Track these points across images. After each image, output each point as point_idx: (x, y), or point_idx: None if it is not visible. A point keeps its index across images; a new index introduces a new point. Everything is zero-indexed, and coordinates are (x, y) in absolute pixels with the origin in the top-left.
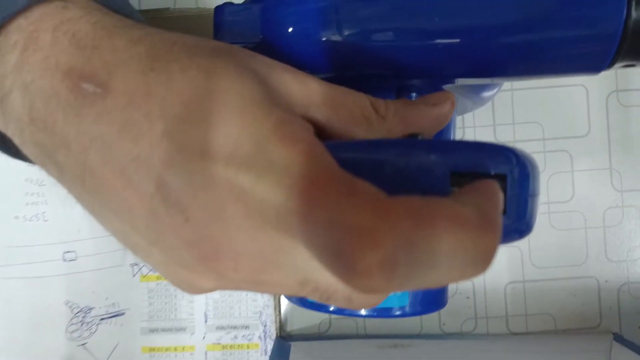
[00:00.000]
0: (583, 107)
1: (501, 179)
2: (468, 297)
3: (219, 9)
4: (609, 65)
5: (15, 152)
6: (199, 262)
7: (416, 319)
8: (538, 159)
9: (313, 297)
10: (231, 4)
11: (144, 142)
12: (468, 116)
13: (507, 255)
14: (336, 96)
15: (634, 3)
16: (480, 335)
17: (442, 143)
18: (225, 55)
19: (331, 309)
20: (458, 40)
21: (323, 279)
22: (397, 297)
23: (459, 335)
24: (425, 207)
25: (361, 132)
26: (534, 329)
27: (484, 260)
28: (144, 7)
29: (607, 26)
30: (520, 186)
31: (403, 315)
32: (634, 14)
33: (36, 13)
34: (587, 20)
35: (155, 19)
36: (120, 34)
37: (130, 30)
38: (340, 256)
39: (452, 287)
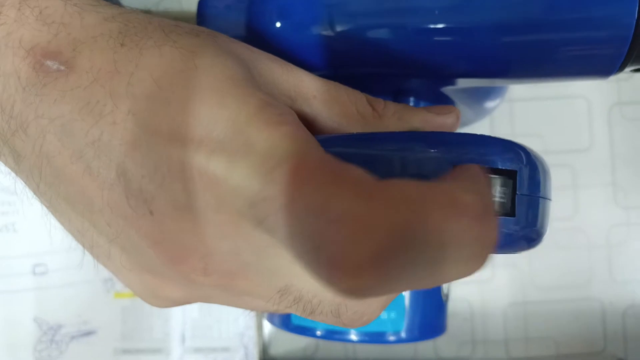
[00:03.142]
0: (585, 119)
1: (509, 176)
2: (465, 319)
3: (203, 1)
4: (618, 69)
5: None
6: (165, 263)
7: (409, 343)
8: None
9: (295, 311)
10: None
11: (106, 123)
12: (464, 129)
13: (506, 276)
14: (328, 89)
15: None
16: None
17: (444, 135)
18: (205, 35)
19: (318, 332)
20: (458, 37)
21: (307, 285)
22: (392, 320)
23: None
24: (423, 192)
25: (354, 131)
26: (535, 354)
27: (485, 252)
28: None
29: (618, 28)
30: (531, 186)
31: (398, 341)
32: None
33: None
34: (597, 22)
35: None
36: (93, 12)
37: (104, 8)
38: (322, 249)
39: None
